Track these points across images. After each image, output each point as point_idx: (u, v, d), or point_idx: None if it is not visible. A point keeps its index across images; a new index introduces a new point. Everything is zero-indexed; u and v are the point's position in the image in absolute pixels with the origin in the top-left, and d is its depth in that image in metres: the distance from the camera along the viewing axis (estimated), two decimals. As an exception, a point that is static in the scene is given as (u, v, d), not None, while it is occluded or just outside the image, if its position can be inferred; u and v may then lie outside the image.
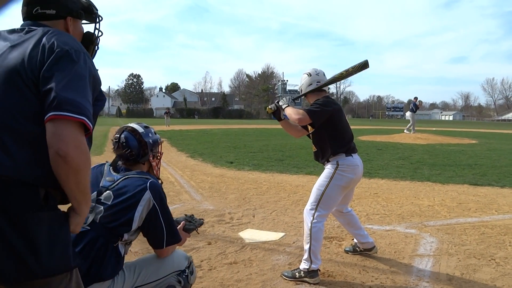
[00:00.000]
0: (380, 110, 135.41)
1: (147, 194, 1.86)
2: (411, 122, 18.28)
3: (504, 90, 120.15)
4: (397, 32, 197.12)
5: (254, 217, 4.53)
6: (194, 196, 5.58)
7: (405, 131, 18.75)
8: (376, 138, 18.43)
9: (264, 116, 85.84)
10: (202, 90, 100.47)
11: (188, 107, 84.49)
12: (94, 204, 1.86)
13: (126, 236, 1.87)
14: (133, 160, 2.03)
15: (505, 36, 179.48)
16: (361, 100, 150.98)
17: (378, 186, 6.44)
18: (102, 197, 1.88)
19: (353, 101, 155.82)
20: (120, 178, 1.93)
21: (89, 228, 1.82)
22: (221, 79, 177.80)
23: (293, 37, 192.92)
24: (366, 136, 19.53)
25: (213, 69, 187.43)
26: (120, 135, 2.03)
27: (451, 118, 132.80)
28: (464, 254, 3.43)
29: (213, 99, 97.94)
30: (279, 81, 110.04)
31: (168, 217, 1.94)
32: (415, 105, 17.86)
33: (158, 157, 2.19)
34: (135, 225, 1.86)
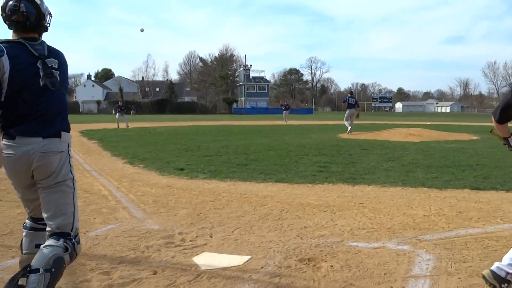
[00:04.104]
0: (365, 101, 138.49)
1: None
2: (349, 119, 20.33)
3: (508, 75, 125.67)
4: (384, 6, 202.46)
5: (211, 237, 4.51)
6: (134, 213, 5.48)
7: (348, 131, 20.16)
8: (360, 135, 18.85)
9: (222, 110, 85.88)
10: (143, 78, 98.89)
11: (126, 99, 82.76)
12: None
13: None
14: (30, 29, 2.87)
15: (509, 12, 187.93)
16: (342, 89, 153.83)
17: (363, 194, 6.58)
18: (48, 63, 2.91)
19: (332, 90, 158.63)
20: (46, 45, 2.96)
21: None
22: (168, 64, 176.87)
23: (258, 11, 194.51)
24: (348, 134, 19.91)
25: (157, 52, 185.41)
26: (19, 4, 2.80)
27: (448, 109, 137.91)
28: (466, 273, 3.56)
29: (157, 89, 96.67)
30: (240, 66, 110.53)
31: None
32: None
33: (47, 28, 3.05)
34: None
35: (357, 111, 21.37)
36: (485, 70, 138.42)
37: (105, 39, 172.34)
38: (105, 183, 7.53)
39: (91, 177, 8.14)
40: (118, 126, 27.30)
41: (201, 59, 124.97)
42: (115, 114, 29.88)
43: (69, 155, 3.03)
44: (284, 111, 38.38)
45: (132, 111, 60.55)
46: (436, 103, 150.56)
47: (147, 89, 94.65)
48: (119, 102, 32.65)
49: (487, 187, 6.97)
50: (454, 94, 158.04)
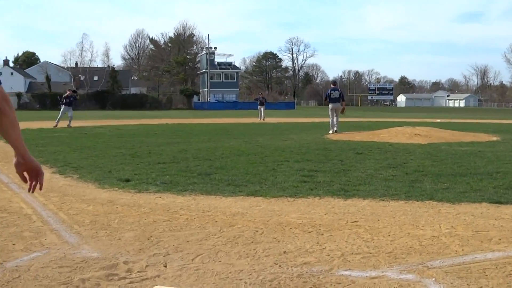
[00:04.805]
0: (359, 93, 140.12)
1: None
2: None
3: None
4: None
5: (166, 266, 4.48)
6: (65, 237, 5.40)
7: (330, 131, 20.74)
8: (354, 136, 19.01)
9: (180, 105, 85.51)
10: (77, 64, 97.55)
11: (54, 91, 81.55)
12: None
13: None
14: None
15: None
16: (331, 77, 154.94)
17: (358, 210, 6.64)
18: None
19: (318, 80, 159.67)
20: None
21: None
22: (109, 47, 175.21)
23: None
24: (337, 134, 20.06)
25: (95, 31, 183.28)
26: None
27: (462, 103, 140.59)
28: (485, 308, 3.62)
29: (95, 78, 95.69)
30: (202, 49, 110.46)
31: None
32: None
33: None
34: None
35: (342, 105, 21.69)
36: (507, 55, 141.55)
37: (27, 14, 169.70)
38: (27, 199, 7.38)
39: (9, 192, 7.97)
40: (56, 126, 25.70)
41: (152, 40, 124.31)
42: (61, 106, 27.97)
43: None
44: (259, 106, 38.41)
45: (61, 105, 59.69)
46: (448, 96, 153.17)
47: (82, 78, 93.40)
48: (68, 91, 29.58)
49: (509, 200, 7.10)
50: (469, 85, 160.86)
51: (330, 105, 21.59)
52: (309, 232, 5.55)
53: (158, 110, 71.90)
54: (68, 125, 26.47)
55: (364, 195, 7.50)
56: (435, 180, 8.74)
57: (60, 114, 27.54)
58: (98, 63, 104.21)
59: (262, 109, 37.86)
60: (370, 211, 6.57)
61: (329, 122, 21.76)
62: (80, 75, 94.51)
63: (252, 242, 5.18)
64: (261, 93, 43.29)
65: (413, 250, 4.91)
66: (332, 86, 22.62)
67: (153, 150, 13.86)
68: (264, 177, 9.10)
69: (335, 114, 21.31)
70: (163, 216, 6.29)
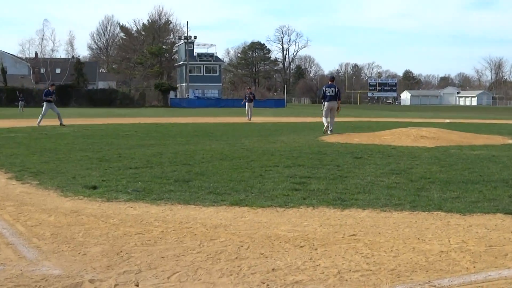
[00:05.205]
0: (358, 89, 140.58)
1: None
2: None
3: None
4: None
5: (137, 286, 4.47)
6: (23, 251, 5.37)
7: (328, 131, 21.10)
8: (351, 138, 19.04)
9: (155, 102, 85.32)
10: (36, 54, 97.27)
11: (11, 84, 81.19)
12: None
13: None
14: None
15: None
16: (326, 71, 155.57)
17: (356, 222, 6.66)
18: None
19: (312, 74, 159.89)
20: None
21: None
22: (74, 35, 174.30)
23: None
24: (333, 136, 20.10)
25: (57, 17, 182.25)
26: None
27: (474, 101, 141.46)
28: (499, 332, 3.65)
29: (58, 70, 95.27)
30: (180, 38, 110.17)
31: None
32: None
33: None
34: None
35: (338, 104, 21.83)
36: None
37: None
38: (-21, 208, 7.35)
39: (-42, 200, 7.93)
40: (39, 124, 26.41)
41: (123, 28, 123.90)
42: (44, 104, 28.29)
43: None
44: (247, 103, 37.98)
45: (20, 103, 59.47)
46: (458, 93, 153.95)
47: (42, 70, 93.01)
48: (51, 86, 30.13)
49: (527, 211, 7.15)
50: (482, 80, 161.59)
51: (326, 104, 21.70)
52: (301, 246, 5.56)
53: (129, 108, 71.75)
54: (61, 124, 27.03)
55: (363, 205, 7.52)
56: (444, 188, 8.78)
57: (43, 111, 27.90)
58: (61, 54, 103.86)
59: (251, 106, 37.65)
60: (370, 223, 6.59)
61: (322, 121, 21.90)
62: (40, 67, 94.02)
63: (236, 258, 5.19)
64: (249, 88, 42.91)
65: (418, 267, 4.93)
66: (329, 82, 22.73)
67: (123, 153, 13.82)
68: (250, 184, 9.11)
69: (329, 114, 21.43)
70: (134, 229, 6.27)
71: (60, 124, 27.01)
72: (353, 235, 6.02)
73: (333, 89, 21.79)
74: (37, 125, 26.42)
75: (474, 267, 4.96)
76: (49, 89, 28.95)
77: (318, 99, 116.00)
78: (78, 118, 27.41)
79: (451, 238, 5.88)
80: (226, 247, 5.53)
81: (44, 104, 28.04)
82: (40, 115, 27.52)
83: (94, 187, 8.76)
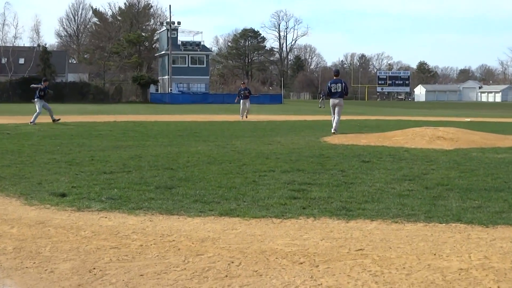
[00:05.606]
0: (366, 83, 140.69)
1: None
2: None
3: None
4: None
5: (113, 309, 4.45)
6: (-19, 269, 5.34)
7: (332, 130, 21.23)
8: (358, 139, 19.07)
9: (133, 97, 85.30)
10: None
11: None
12: None
13: None
14: None
15: None
16: (330, 63, 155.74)
17: (364, 234, 6.65)
18: None
19: (312, 66, 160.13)
20: None
21: None
22: (40, 20, 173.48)
23: None
24: (337, 137, 20.12)
25: (21, 0, 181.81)
26: None
27: (498, 98, 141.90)
28: None
29: (21, 60, 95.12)
30: (162, 24, 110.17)
31: None
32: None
33: None
34: None
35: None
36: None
37: None
38: None
39: None
40: (34, 122, 26.71)
41: (96, 13, 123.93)
42: (35, 100, 29.29)
43: None
44: (242, 100, 37.40)
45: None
46: (480, 88, 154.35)
47: (4, 60, 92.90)
48: (44, 82, 30.80)
49: (558, 223, 7.16)
50: (508, 73, 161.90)
51: (330, 101, 21.81)
52: (301, 263, 5.54)
53: (103, 104, 71.69)
54: (54, 120, 28.00)
55: (371, 215, 7.52)
56: (464, 196, 8.78)
57: (38, 109, 28.47)
58: (25, 42, 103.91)
59: (246, 104, 36.99)
60: (379, 236, 6.58)
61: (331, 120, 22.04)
62: (1, 57, 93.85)
63: (226, 276, 5.17)
64: (244, 83, 42.15)
65: (435, 287, 4.92)
66: (334, 77, 22.80)
67: (96, 155, 13.80)
68: (242, 191, 9.10)
69: (335, 112, 21.50)
70: (109, 242, 6.25)
71: (53, 120, 27.90)
72: (360, 250, 6.01)
73: (339, 84, 21.88)
74: (31, 123, 26.90)
75: (499, 287, 4.94)
76: (41, 85, 29.66)
77: (319, 94, 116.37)
78: (44, 116, 27.27)
79: (472, 254, 5.87)
80: (214, 263, 5.51)
81: (37, 102, 28.79)
82: (35, 114, 27.96)
83: (63, 195, 8.73)
